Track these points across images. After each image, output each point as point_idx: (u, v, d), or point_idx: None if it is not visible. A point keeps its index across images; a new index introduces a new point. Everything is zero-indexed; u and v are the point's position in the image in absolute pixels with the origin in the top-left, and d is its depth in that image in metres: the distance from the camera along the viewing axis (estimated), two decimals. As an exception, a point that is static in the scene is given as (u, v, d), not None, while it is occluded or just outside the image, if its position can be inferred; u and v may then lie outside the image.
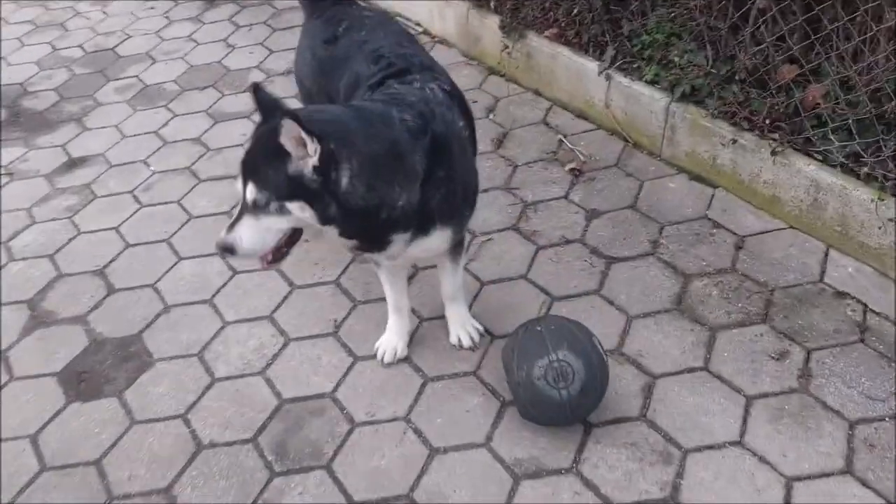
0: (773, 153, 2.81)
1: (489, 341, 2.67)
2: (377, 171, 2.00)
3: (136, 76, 4.59)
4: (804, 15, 2.80)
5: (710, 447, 2.24)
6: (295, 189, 1.94)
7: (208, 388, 2.65)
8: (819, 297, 2.63)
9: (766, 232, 2.91)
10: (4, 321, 3.00)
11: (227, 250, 2.03)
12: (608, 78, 3.41)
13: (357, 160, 1.96)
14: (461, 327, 2.68)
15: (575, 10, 3.61)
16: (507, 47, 3.85)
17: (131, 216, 3.48)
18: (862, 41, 2.66)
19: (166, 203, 3.53)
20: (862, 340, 2.46)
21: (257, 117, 2.09)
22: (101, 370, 2.76)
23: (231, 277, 3.08)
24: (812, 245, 2.82)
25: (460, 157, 2.33)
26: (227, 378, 2.68)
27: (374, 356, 2.66)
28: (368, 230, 2.09)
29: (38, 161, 3.95)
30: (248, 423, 2.51)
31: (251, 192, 1.96)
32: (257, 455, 2.40)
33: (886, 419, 2.24)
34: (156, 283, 3.10)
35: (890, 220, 2.51)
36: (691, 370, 2.47)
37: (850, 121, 2.69)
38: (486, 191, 3.31)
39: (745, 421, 2.30)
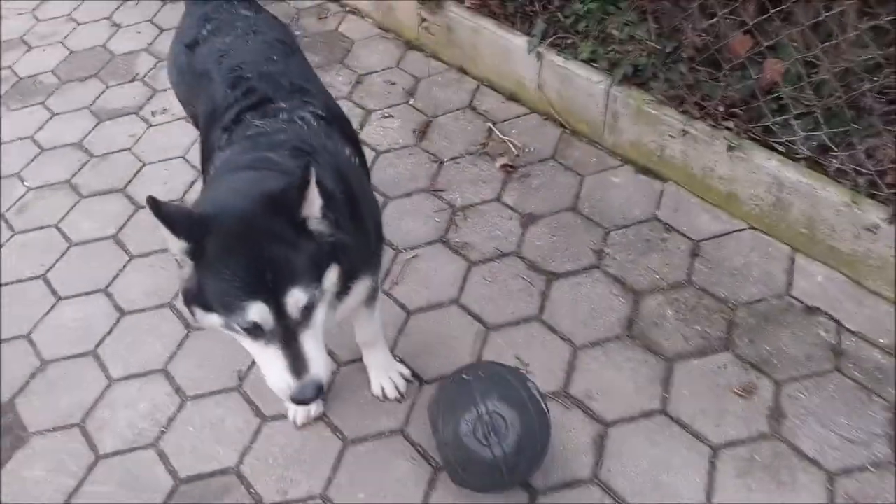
0: (730, 148, 2.46)
1: (418, 388, 2.32)
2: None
3: (10, 67, 4.01)
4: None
5: (674, 513, 1.96)
6: (324, 255, 1.56)
7: (92, 467, 2.26)
8: (787, 315, 2.32)
9: (724, 234, 2.58)
10: None
11: (319, 392, 1.56)
12: (539, 57, 2.99)
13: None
14: (384, 375, 2.31)
15: (498, -23, 3.17)
16: (424, 20, 3.39)
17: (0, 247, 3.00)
18: (827, 11, 2.29)
19: (43, 228, 3.04)
20: (837, 369, 2.17)
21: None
22: (-37, 453, 2.34)
23: (118, 320, 2.65)
24: (776, 249, 2.50)
25: (360, 190, 1.93)
26: (115, 454, 2.28)
27: (285, 416, 2.29)
28: None
29: None
30: (138, 514, 2.14)
31: (299, 299, 1.49)
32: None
33: (869, 467, 1.97)
34: (30, 332, 2.66)
35: (867, 228, 2.19)
36: (648, 414, 2.16)
37: (816, 107, 2.34)
38: (409, 194, 2.93)
39: (711, 476, 2.01)
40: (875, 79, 2.23)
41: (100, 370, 2.51)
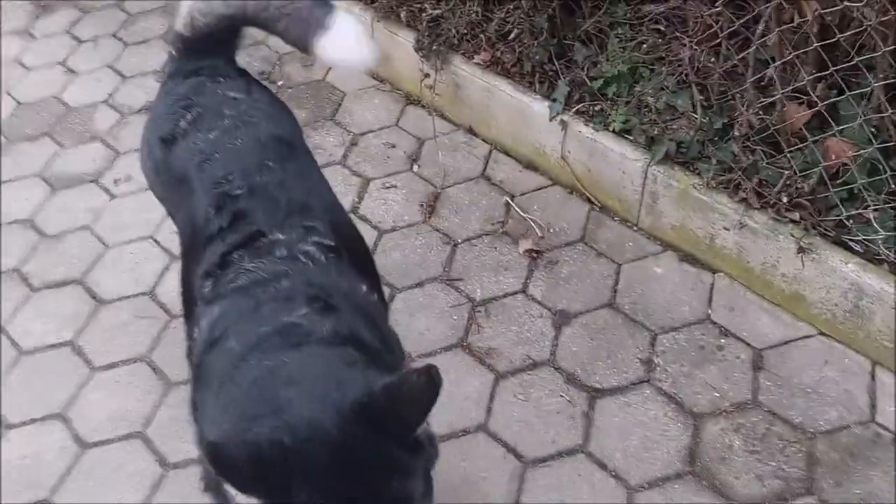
0: (800, 250, 2.13)
1: (447, 546, 1.95)
2: None
3: (-52, 122, 3.53)
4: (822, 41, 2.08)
5: None
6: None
7: None
8: (875, 449, 1.99)
9: (790, 342, 2.24)
10: None
11: None
12: (563, 125, 2.64)
13: None
14: None
15: (512, 33, 2.79)
16: (426, 76, 3.01)
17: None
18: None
19: (-14, 330, 2.60)
20: (945, 523, 1.86)
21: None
22: None
23: (78, 456, 2.23)
24: (853, 362, 2.17)
25: (392, 340, 1.56)
26: None
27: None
28: None
29: None
30: None
31: None
32: None
33: None
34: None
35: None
36: (728, 585, 1.82)
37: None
38: (420, 284, 2.55)
39: None
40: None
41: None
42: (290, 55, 3.52)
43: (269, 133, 1.80)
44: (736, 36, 2.31)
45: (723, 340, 2.27)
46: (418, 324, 2.43)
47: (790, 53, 2.12)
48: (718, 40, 2.30)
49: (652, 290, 2.43)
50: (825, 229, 2.16)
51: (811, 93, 2.12)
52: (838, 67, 2.04)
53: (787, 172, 2.19)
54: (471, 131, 3.02)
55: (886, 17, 1.91)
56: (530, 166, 2.85)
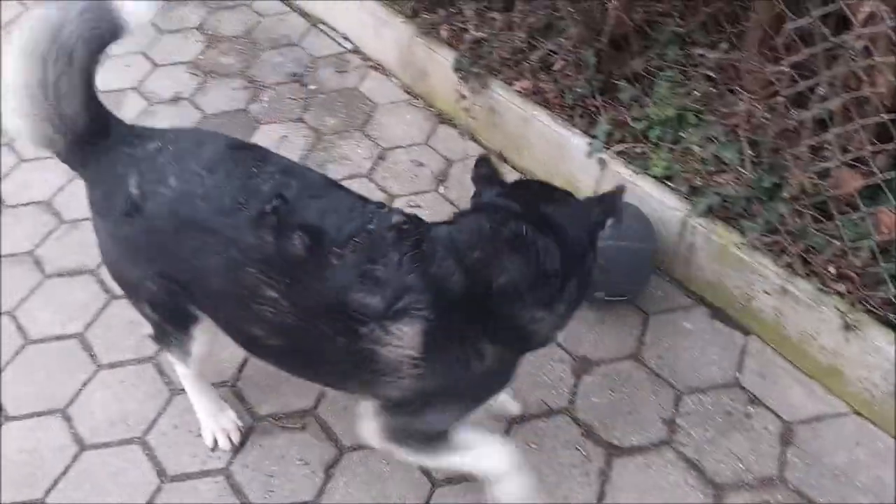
0: (846, 327, 2.03)
1: None
2: None
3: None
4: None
5: None
6: None
7: None
8: (906, 544, 1.91)
9: (822, 418, 2.15)
10: None
11: None
12: (602, 163, 2.55)
13: None
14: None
15: (556, 64, 2.71)
16: (463, 97, 2.93)
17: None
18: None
19: (-8, 313, 2.53)
20: None
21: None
22: None
23: (76, 456, 2.15)
24: (886, 448, 2.07)
25: None
26: None
27: None
28: None
29: None
30: None
31: None
32: None
33: None
34: (-37, 462, 2.14)
35: None
36: None
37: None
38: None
39: None
40: None
41: (47, 531, 2.01)
42: (325, 59, 3.45)
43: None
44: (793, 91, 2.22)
45: (751, 408, 2.18)
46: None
47: (853, 119, 2.03)
48: (776, 97, 2.21)
49: (680, 347, 2.34)
50: (871, 305, 2.07)
51: (871, 163, 2.03)
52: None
53: (837, 243, 2.10)
54: (502, 157, 2.94)
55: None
56: (563, 201, 2.76)
